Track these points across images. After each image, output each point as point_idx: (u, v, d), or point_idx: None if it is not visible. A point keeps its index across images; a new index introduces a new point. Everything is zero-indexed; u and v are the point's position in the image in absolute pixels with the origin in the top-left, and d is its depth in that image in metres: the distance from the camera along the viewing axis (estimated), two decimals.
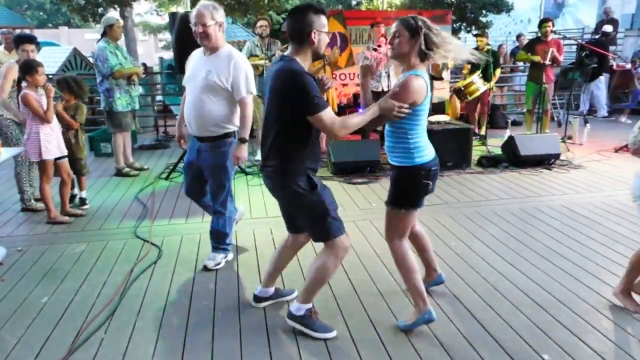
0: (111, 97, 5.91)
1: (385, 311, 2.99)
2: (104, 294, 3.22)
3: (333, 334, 2.74)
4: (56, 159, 4.48)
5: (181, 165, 6.13)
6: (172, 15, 5.43)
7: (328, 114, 2.42)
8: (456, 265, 3.57)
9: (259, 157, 6.86)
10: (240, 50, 7.27)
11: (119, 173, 6.11)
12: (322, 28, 2.49)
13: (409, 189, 2.68)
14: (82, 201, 5.00)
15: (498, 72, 7.81)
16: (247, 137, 3.36)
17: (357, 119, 2.52)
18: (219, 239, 3.60)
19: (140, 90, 10.24)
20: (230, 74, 3.24)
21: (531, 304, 3.03)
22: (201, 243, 4.05)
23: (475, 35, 8.33)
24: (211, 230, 3.62)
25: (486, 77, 7.19)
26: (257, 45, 6.58)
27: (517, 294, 3.16)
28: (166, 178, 5.96)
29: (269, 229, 4.32)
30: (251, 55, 6.51)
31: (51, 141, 4.36)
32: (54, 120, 4.43)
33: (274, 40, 6.78)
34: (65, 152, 4.56)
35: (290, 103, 2.43)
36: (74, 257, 3.79)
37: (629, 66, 10.37)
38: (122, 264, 3.67)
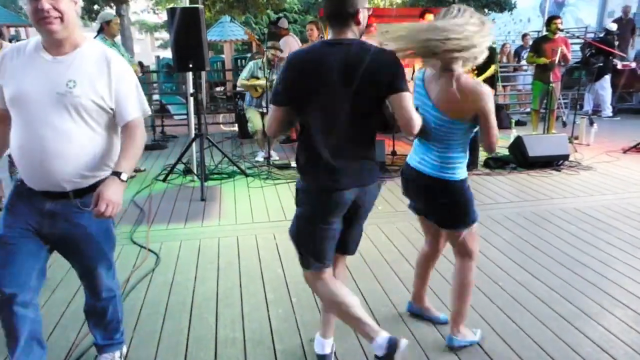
0: None
1: (399, 322, 2.80)
2: None
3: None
4: None
5: (180, 166, 5.94)
6: (171, 11, 5.21)
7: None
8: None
9: (259, 158, 6.70)
10: (244, 51, 7.13)
11: None
12: (365, 4, 2.10)
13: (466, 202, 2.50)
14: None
15: (492, 69, 7.64)
16: (129, 174, 2.03)
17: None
18: (112, 331, 2.43)
19: None
20: (111, 85, 2.00)
21: (555, 316, 2.85)
22: (201, 249, 3.85)
23: None
24: (96, 323, 2.43)
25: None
26: (259, 68, 6.43)
27: (538, 305, 2.97)
28: (163, 180, 5.75)
29: (272, 234, 4.12)
30: (252, 77, 6.38)
31: None
32: None
33: (279, 65, 6.59)
34: None
35: (388, 80, 2.01)
36: (66, 265, 3.53)
37: (634, 65, 10.23)
38: (117, 273, 3.43)
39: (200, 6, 5.30)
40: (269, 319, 2.87)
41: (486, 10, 17.08)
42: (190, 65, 5.31)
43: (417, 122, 2.05)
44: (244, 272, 3.48)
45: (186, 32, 5.16)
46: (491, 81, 7.06)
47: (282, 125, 2.19)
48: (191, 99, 5.79)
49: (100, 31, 5.67)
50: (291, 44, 7.40)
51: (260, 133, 6.55)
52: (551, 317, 2.84)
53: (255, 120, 6.57)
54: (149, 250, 3.83)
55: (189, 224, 4.42)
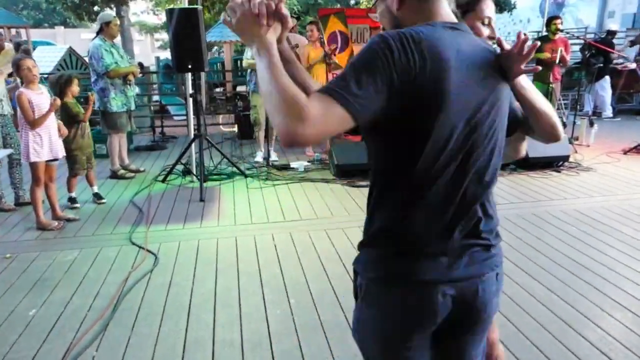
0: (106, 97, 5.70)
1: None
2: (95, 307, 3.01)
3: None
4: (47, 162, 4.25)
5: (179, 167, 5.93)
6: (170, 12, 5.21)
7: None
8: None
9: (258, 158, 6.69)
10: (243, 52, 7.15)
11: (114, 175, 5.89)
12: None
13: None
14: (98, 196, 5.01)
15: None
16: None
17: None
18: None
19: (137, 90, 10.11)
20: None
21: (554, 318, 2.83)
22: (200, 250, 3.84)
23: None
24: None
25: None
26: None
27: (538, 307, 2.96)
28: (163, 180, 5.74)
29: (271, 235, 4.11)
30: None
31: (41, 143, 4.13)
32: (50, 121, 4.21)
33: None
34: (59, 156, 4.35)
35: None
36: (64, 266, 3.57)
37: (633, 66, 10.21)
38: (115, 273, 3.46)
39: (199, 7, 5.30)
40: (267, 320, 2.86)
41: None
42: (190, 66, 5.31)
43: None
44: (242, 273, 3.47)
45: (185, 32, 5.15)
46: None
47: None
48: (190, 100, 5.77)
49: (99, 32, 5.66)
50: (299, 40, 7.37)
51: (262, 127, 6.49)
52: (550, 319, 2.83)
53: (260, 110, 6.45)
54: (148, 250, 3.82)
55: (187, 225, 4.41)
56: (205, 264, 3.61)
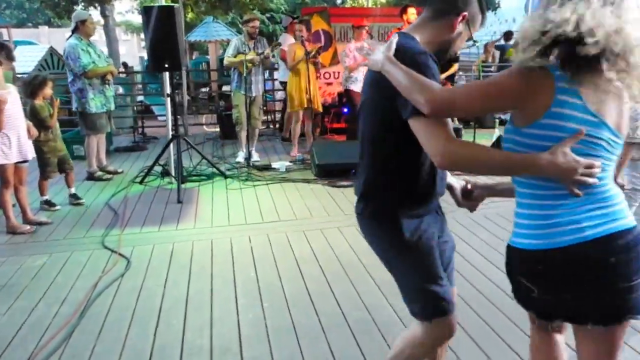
0: (84, 97, 5.59)
1: (371, 327, 2.74)
2: (62, 313, 2.92)
3: None
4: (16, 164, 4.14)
5: (157, 168, 5.84)
6: (146, 9, 5.11)
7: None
8: None
9: (240, 158, 6.60)
10: (225, 49, 7.08)
11: (91, 177, 5.78)
12: None
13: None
14: (75, 197, 4.94)
15: (455, 66, 7.70)
16: None
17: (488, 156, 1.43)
18: None
19: (120, 89, 9.97)
20: None
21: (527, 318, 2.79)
22: (174, 253, 3.76)
23: None
24: None
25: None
26: (244, 43, 6.29)
27: (513, 306, 2.91)
28: (140, 182, 5.65)
29: (248, 237, 4.04)
30: (239, 53, 6.23)
31: (9, 144, 4.02)
32: (19, 122, 4.10)
33: (261, 38, 6.52)
34: (28, 157, 4.23)
35: None
36: (32, 271, 3.47)
37: None
38: (85, 278, 3.37)
39: (176, 5, 5.20)
40: (239, 324, 2.79)
41: None
42: (167, 65, 5.22)
43: None
44: (216, 276, 3.39)
45: (162, 31, 5.07)
46: (451, 79, 7.20)
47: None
48: (168, 100, 5.68)
49: (74, 31, 5.54)
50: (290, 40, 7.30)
51: (244, 126, 6.41)
52: (525, 318, 2.78)
53: (241, 109, 6.37)
54: (120, 254, 3.73)
55: (163, 227, 4.32)
56: (178, 267, 3.54)
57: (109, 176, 5.88)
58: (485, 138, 7.14)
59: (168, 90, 5.62)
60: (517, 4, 21.59)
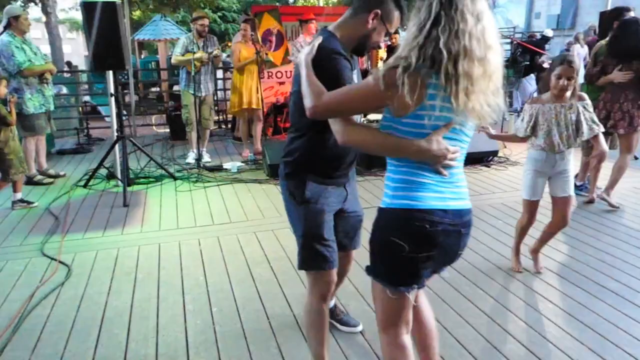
0: (21, 97, 5.28)
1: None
2: None
3: None
4: None
5: (102, 171, 5.61)
6: (86, 6, 4.87)
7: None
8: None
9: (190, 159, 6.44)
10: (173, 46, 6.88)
11: (29, 181, 5.46)
12: None
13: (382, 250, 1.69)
14: (25, 202, 4.79)
15: None
16: None
17: (372, 136, 1.65)
18: None
19: (63, 89, 9.54)
20: None
21: (478, 313, 2.84)
22: (119, 259, 3.61)
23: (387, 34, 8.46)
24: None
25: None
26: (193, 42, 6.12)
27: (463, 302, 2.96)
28: (84, 185, 5.40)
29: (197, 240, 3.93)
30: (187, 51, 6.06)
31: None
32: None
33: (211, 37, 6.37)
34: None
35: None
36: None
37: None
38: (21, 289, 3.17)
39: (118, 1, 4.99)
40: (186, 331, 2.69)
41: None
42: (110, 65, 5.01)
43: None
44: (163, 282, 3.27)
45: (104, 28, 4.86)
46: None
47: None
48: (113, 100, 5.46)
49: (7, 27, 5.23)
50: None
51: (194, 126, 6.25)
52: (475, 314, 2.83)
53: (191, 109, 6.21)
54: (60, 262, 3.54)
55: (108, 232, 4.14)
56: (123, 274, 3.39)
57: (49, 180, 5.60)
58: None
59: (112, 90, 5.40)
60: None
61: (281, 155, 2.08)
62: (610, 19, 4.83)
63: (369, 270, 1.73)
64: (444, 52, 1.42)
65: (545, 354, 2.46)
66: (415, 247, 1.58)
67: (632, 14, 4.70)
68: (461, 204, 1.64)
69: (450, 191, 1.61)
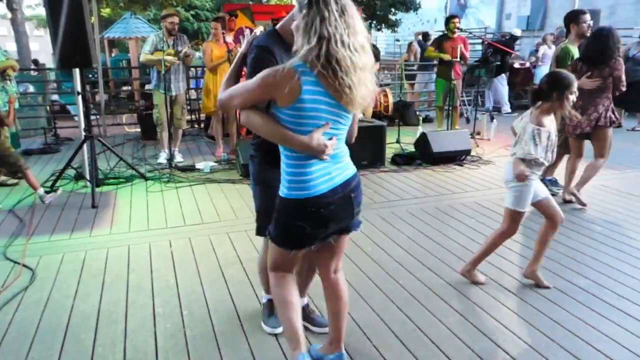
0: None
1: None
2: None
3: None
4: None
5: (70, 172, 5.46)
6: (52, 1, 4.71)
7: None
8: (374, 274, 3.32)
9: (162, 159, 6.32)
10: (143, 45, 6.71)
11: None
12: None
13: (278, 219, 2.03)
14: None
15: (377, 65, 7.86)
16: None
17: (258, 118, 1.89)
18: None
19: (30, 88, 9.25)
20: None
21: (452, 312, 2.84)
22: (86, 262, 3.50)
23: None
24: None
25: None
26: (162, 40, 5.99)
27: (437, 302, 2.96)
28: (51, 187, 5.23)
29: (168, 242, 3.85)
30: (156, 50, 5.93)
31: None
32: None
33: (181, 35, 6.25)
34: None
35: None
36: None
37: (528, 64, 10.88)
38: None
39: None
40: (155, 335, 2.62)
41: (393, 10, 17.57)
42: (76, 62, 4.87)
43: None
44: (132, 284, 3.18)
45: (70, 25, 4.71)
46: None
47: None
48: (80, 99, 5.31)
49: None
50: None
51: (165, 126, 6.12)
52: (448, 313, 2.83)
53: (161, 108, 6.09)
54: (24, 265, 3.42)
55: (75, 234, 4.02)
56: (91, 277, 3.29)
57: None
58: (410, 135, 7.32)
59: (79, 88, 5.26)
60: (438, 5, 22.44)
61: None
62: (567, 20, 4.85)
63: (266, 232, 2.07)
64: (320, 51, 1.69)
65: (517, 351, 2.48)
66: (315, 225, 1.93)
67: (587, 16, 4.75)
68: (346, 174, 1.96)
69: (335, 168, 1.93)
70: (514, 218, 3.03)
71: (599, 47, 4.30)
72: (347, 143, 2.06)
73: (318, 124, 1.83)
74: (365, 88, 1.81)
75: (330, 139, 1.87)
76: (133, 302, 2.98)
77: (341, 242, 2.16)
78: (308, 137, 1.81)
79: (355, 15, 1.78)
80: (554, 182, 5.03)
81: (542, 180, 4.86)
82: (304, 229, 1.92)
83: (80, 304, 2.95)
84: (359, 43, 1.76)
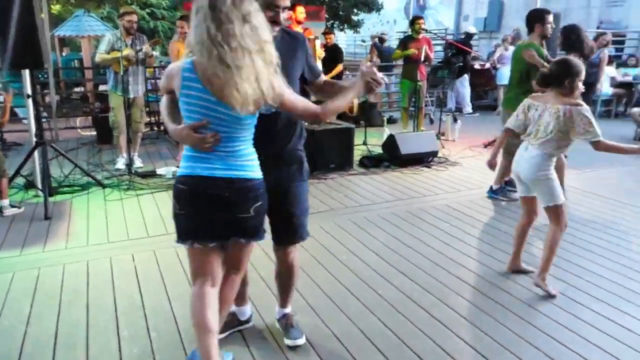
0: None
1: (271, 344, 2.52)
2: None
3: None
4: None
5: (20, 180, 5.10)
6: None
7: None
8: (350, 283, 3.20)
9: (120, 165, 6.02)
10: (98, 44, 6.36)
11: None
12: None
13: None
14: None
15: (340, 66, 7.92)
16: None
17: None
18: None
19: None
20: None
21: (433, 322, 2.76)
22: (40, 280, 3.24)
23: (324, 33, 8.68)
24: None
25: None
26: (119, 39, 5.68)
27: (417, 311, 2.87)
28: None
29: (131, 255, 3.61)
30: (113, 49, 5.62)
31: None
32: None
33: (140, 35, 5.96)
34: None
35: None
36: None
37: (487, 65, 11.06)
38: None
39: None
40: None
41: (355, 10, 17.63)
42: (26, 63, 4.55)
43: None
44: (93, 304, 2.95)
45: (19, 23, 4.38)
46: (339, 78, 7.36)
47: None
48: (30, 102, 4.97)
49: None
50: None
51: (122, 130, 5.82)
52: (429, 323, 2.75)
53: (118, 111, 5.80)
54: None
55: (26, 250, 3.72)
56: (45, 297, 3.03)
57: None
58: (376, 136, 7.26)
59: (29, 90, 4.92)
60: (398, 6, 22.64)
61: None
62: (532, 18, 4.77)
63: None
64: (200, 48, 1.76)
65: (499, 357, 2.42)
66: (181, 207, 1.98)
67: (551, 17, 4.73)
68: (217, 172, 1.94)
69: (211, 160, 1.94)
70: (558, 213, 2.97)
71: (566, 45, 4.39)
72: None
73: (197, 118, 1.90)
74: (249, 83, 1.79)
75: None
76: (94, 323, 2.75)
77: (236, 251, 2.12)
78: (180, 128, 1.93)
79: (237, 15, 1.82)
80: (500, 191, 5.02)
81: (504, 185, 4.90)
82: (175, 208, 2.00)
83: (34, 329, 2.70)
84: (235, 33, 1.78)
